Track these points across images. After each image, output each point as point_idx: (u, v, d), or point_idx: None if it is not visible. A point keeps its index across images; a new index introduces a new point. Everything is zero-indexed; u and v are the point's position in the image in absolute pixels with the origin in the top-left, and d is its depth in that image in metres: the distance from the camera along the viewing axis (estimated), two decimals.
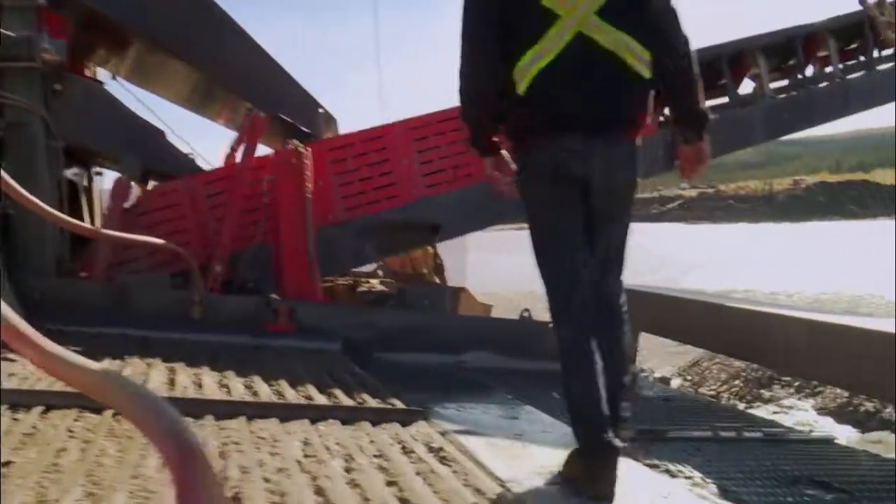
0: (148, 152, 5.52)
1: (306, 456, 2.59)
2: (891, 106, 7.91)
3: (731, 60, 6.93)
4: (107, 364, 3.85)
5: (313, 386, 3.71)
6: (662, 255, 25.89)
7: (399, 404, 3.46)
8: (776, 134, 7.51)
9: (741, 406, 8.60)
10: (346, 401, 3.47)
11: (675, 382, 9.32)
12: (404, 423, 3.14)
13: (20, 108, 4.91)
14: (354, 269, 8.01)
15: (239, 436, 2.77)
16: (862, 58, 7.99)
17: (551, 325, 2.66)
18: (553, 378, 2.91)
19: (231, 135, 6.35)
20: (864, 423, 7.44)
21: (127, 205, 5.31)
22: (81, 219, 6.61)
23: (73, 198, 6.77)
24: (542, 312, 3.50)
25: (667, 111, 6.74)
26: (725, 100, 7.24)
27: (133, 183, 5.87)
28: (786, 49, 7.32)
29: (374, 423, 3.09)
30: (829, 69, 7.72)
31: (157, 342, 4.50)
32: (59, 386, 3.16)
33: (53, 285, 4.90)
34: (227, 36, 6.03)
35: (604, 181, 2.55)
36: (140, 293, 4.94)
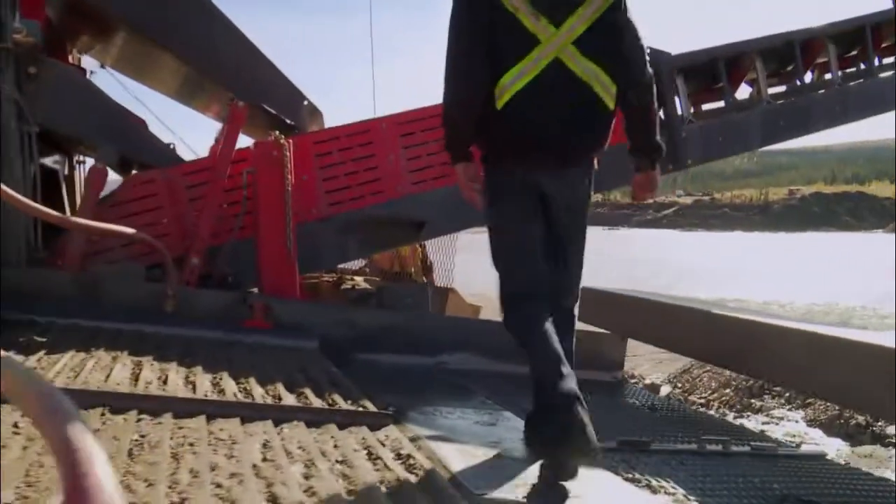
0: (126, 141, 5.36)
1: (264, 460, 2.44)
2: (888, 117, 7.79)
3: (728, 64, 6.80)
4: (72, 355, 3.70)
5: (283, 385, 3.56)
6: (656, 262, 25.86)
7: (371, 407, 3.31)
8: (772, 140, 7.38)
9: (731, 416, 8.49)
10: (315, 401, 3.31)
11: (665, 390, 9.21)
12: (373, 427, 2.99)
13: None
14: (341, 266, 7.88)
15: (196, 436, 2.62)
16: (862, 65, 7.88)
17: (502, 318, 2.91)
18: None
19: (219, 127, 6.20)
20: (854, 436, 7.33)
21: (103, 194, 5.15)
22: (61, 207, 6.47)
23: (52, 186, 6.63)
24: None
25: (660, 113, 6.65)
26: (722, 104, 7.12)
27: (113, 172, 5.74)
28: (784, 54, 7.19)
29: (342, 427, 2.94)
30: (828, 76, 7.60)
31: (128, 335, 4.34)
32: None
33: (23, 274, 4.73)
34: (209, 23, 5.87)
35: (564, 199, 2.89)
36: (114, 284, 4.77)
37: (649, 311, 4.97)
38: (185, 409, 2.91)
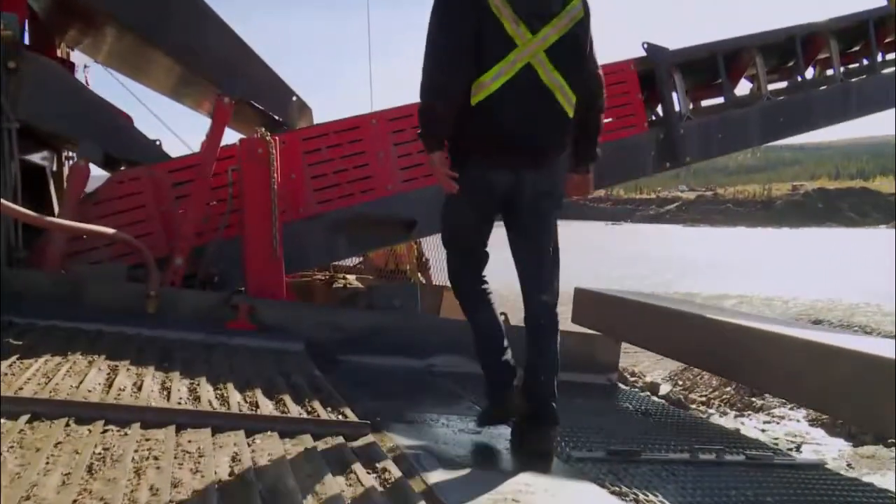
0: (110, 137, 5.24)
1: (231, 475, 2.33)
2: (891, 113, 7.64)
3: (728, 59, 6.67)
4: (46, 359, 3.59)
5: (262, 391, 3.45)
6: (658, 257, 25.72)
7: (350, 415, 3.19)
8: (773, 137, 7.24)
9: (731, 415, 8.36)
10: (293, 409, 3.20)
11: (665, 388, 9.07)
12: (350, 438, 2.87)
13: None
14: (335, 264, 7.77)
15: (162, 448, 2.50)
16: (865, 61, 7.74)
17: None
18: None
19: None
20: (857, 436, 7.18)
21: (85, 191, 5.04)
22: (49, 205, 6.36)
23: (40, 183, 6.52)
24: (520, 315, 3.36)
25: (658, 109, 6.52)
26: (721, 100, 6.99)
27: (98, 168, 5.63)
28: (785, 49, 7.05)
29: (317, 437, 2.82)
30: (829, 72, 7.46)
31: (108, 337, 4.24)
32: None
33: (3, 275, 4.63)
34: (197, 20, 5.72)
35: (527, 197, 3.11)
36: (95, 285, 4.67)
37: (643, 314, 4.83)
38: (154, 419, 2.79)
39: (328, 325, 4.85)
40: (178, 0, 5.68)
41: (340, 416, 3.18)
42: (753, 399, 8.65)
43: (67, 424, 2.68)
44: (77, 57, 7.24)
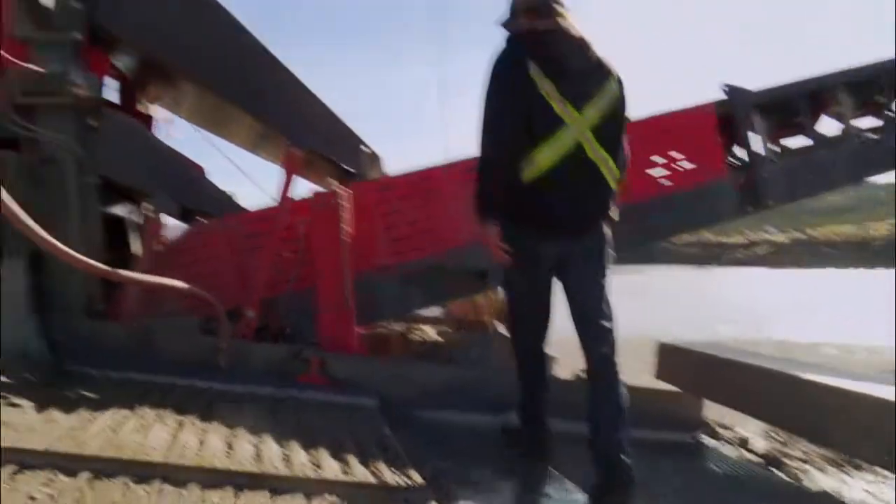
0: (184, 190, 5.32)
1: None
2: None
3: (811, 98, 6.38)
4: (114, 412, 3.59)
5: (327, 449, 3.36)
6: (749, 303, 24.78)
7: (416, 477, 3.07)
8: (861, 178, 6.87)
9: (831, 471, 7.85)
10: (356, 469, 3.09)
11: (758, 444, 8.59)
12: (413, 503, 2.75)
13: (53, 144, 4.77)
14: (414, 315, 7.67)
15: None
16: None
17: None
18: None
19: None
20: None
21: (160, 244, 5.10)
22: (130, 256, 6.49)
23: (122, 235, 6.68)
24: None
25: (739, 152, 6.27)
26: (804, 140, 6.68)
27: (175, 221, 5.72)
28: (874, 84, 6.71)
29: (378, 501, 2.71)
30: None
31: (179, 390, 4.24)
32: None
33: (80, 326, 4.71)
34: (271, 76, 5.81)
35: (576, 265, 3.34)
36: (167, 337, 4.70)
37: (729, 372, 4.54)
38: (213, 480, 2.73)
39: (401, 378, 4.76)
40: (250, 56, 5.77)
41: (406, 479, 3.06)
42: None
43: (126, 484, 2.65)
44: (160, 111, 7.45)
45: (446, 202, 5.45)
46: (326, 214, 4.85)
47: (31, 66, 4.77)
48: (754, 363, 4.37)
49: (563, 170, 3.21)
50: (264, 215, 5.26)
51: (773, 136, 6.62)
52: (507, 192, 3.26)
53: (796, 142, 6.81)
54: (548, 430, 3.72)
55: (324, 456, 3.27)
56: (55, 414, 3.50)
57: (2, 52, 4.60)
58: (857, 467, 7.89)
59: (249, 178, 7.13)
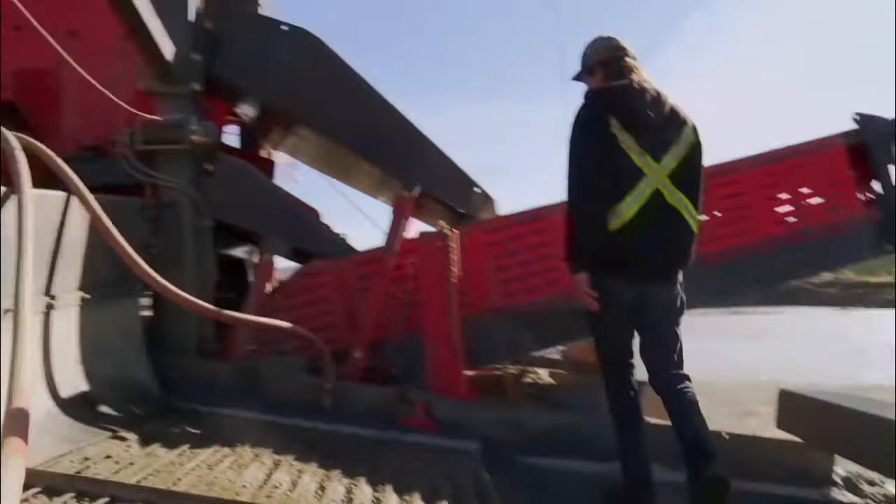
0: (296, 232, 5.40)
1: None
2: None
3: None
4: (214, 450, 3.60)
5: (421, 495, 3.24)
6: (889, 347, 23.11)
7: None
8: None
9: None
10: None
11: None
12: None
13: (172, 189, 4.94)
14: (532, 357, 7.50)
15: None
16: None
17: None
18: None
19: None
20: None
21: (272, 285, 5.17)
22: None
23: (242, 275, 6.85)
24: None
25: (878, 187, 5.81)
26: None
27: (288, 262, 5.81)
28: None
29: None
30: None
31: (282, 429, 4.22)
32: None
33: (191, 365, 4.80)
34: (380, 116, 5.85)
35: (659, 306, 3.49)
36: (274, 376, 4.72)
37: (857, 423, 4.11)
38: None
39: (507, 422, 4.60)
40: (363, 102, 5.82)
41: None
42: None
43: None
44: (282, 156, 7.67)
45: (558, 243, 5.29)
46: (434, 255, 4.79)
47: (154, 116, 4.99)
48: (886, 416, 3.91)
49: (645, 217, 3.33)
50: (374, 257, 5.25)
51: None
52: (596, 242, 3.36)
53: None
54: (650, 486, 3.55)
55: (416, 500, 3.16)
56: (157, 449, 3.54)
57: (128, 106, 4.82)
58: None
59: (368, 217, 7.21)
